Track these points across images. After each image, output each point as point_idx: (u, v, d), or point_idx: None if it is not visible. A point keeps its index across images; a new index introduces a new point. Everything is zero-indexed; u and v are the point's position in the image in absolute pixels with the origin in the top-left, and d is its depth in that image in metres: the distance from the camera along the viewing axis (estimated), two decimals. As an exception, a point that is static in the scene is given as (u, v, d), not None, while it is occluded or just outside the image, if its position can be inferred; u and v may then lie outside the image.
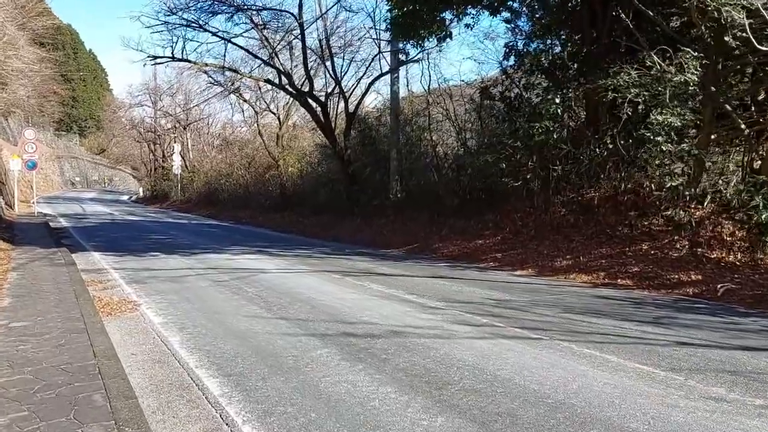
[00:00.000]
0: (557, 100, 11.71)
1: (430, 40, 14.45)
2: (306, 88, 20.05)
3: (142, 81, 64.71)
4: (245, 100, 28.20)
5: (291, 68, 22.60)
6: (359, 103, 19.99)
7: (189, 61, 19.03)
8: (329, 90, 21.13)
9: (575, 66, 12.77)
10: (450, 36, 13.29)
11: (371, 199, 20.62)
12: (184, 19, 17.62)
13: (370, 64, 20.10)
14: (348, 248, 15.78)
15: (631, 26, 10.26)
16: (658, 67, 9.48)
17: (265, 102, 28.52)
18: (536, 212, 12.91)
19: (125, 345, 6.15)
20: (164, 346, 6.11)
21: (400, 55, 18.63)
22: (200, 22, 17.80)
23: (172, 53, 18.51)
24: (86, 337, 6.02)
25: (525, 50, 13.31)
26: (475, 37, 32.79)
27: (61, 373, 4.84)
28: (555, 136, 11.77)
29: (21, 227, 21.36)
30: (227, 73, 22.83)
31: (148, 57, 18.35)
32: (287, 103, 30.22)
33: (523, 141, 12.30)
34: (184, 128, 45.32)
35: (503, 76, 14.43)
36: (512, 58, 13.77)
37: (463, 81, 18.87)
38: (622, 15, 10.34)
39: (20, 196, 39.40)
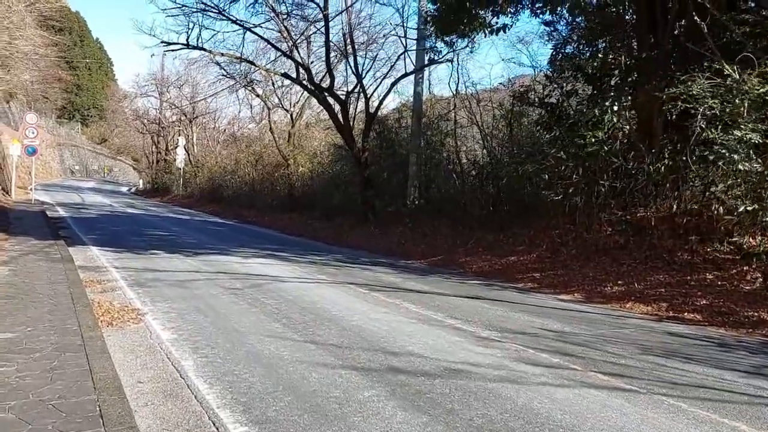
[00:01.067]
0: (615, 108, 10.74)
1: (471, 36, 13.50)
2: (326, 85, 19.04)
3: (149, 71, 63.57)
4: (257, 95, 27.20)
5: (308, 64, 21.63)
6: (380, 103, 19.02)
7: (204, 50, 18.07)
8: (349, 88, 20.11)
9: (625, 72, 11.81)
10: (504, 29, 12.30)
11: (387, 205, 19.66)
12: (203, 3, 16.66)
13: (395, 63, 19.14)
14: (365, 257, 14.80)
15: (705, 30, 9.30)
16: (736, 75, 8.53)
17: (278, 98, 27.53)
18: (577, 230, 11.92)
19: (129, 368, 5.16)
20: (176, 372, 5.12)
21: (427, 55, 17.68)
22: (219, 8, 16.84)
23: (186, 40, 17.55)
24: (84, 359, 5.02)
25: (573, 54, 12.34)
26: (507, 40, 31.59)
27: (53, 412, 3.84)
28: (606, 148, 10.80)
29: (17, 215, 20.35)
30: (242, 65, 21.87)
31: (161, 43, 17.40)
32: (299, 100, 29.28)
33: (568, 152, 11.32)
34: (190, 121, 44.30)
35: (545, 81, 13.47)
36: (557, 62, 12.78)
37: (501, 84, 17.92)
38: (697, 18, 9.39)
39: (18, 182, 38.38)
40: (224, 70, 23.26)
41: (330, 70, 18.45)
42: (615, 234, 10.90)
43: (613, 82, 12.26)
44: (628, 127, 11.48)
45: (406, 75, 18.77)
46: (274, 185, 27.66)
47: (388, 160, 20.25)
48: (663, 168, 10.17)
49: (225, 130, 47.01)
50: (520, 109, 17.06)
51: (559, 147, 11.61)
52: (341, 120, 18.99)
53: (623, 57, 11.23)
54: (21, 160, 43.60)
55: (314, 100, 28.34)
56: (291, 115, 27.49)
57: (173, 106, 45.57)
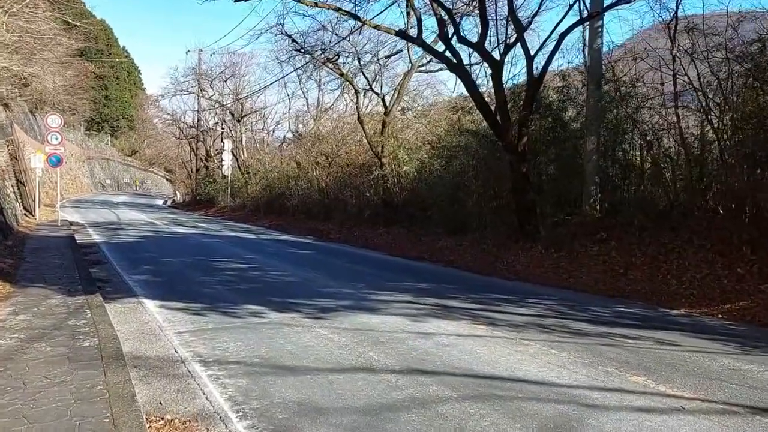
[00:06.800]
0: None
1: None
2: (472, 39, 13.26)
3: (187, 67, 58.43)
4: (341, 74, 21.71)
5: (407, 26, 16.12)
6: (547, 64, 13.06)
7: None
8: (503, 40, 14.02)
9: None
10: None
11: (555, 213, 13.96)
12: None
13: (570, 7, 13.08)
14: (584, 301, 9.18)
15: None
16: None
17: (366, 77, 21.94)
18: None
19: None
20: None
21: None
22: None
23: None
24: None
25: None
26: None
27: None
28: None
29: (36, 243, 15.36)
30: (319, 35, 16.44)
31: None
32: (374, 81, 23.45)
33: None
34: (238, 121, 39.20)
35: None
36: None
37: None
38: None
39: (45, 199, 33.98)
40: (296, 42, 17.90)
41: (483, 15, 12.59)
42: None
43: None
44: None
45: (579, 23, 13.00)
46: (361, 191, 22.10)
47: (550, 148, 14.53)
48: None
49: (273, 130, 41.98)
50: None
51: None
52: (481, 92, 13.27)
53: None
54: (48, 175, 39.49)
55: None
56: (383, 100, 21.82)
57: (217, 104, 40.44)
